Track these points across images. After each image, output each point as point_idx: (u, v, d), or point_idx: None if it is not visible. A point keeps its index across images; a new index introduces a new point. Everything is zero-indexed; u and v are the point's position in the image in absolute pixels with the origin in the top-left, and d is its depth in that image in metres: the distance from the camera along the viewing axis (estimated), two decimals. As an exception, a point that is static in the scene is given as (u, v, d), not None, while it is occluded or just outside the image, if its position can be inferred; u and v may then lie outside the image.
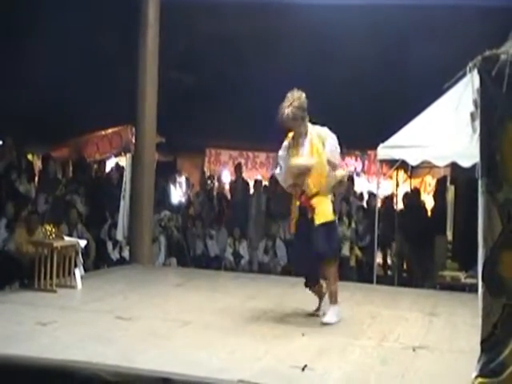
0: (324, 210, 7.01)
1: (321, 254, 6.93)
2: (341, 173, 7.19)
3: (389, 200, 13.51)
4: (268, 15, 14.92)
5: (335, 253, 7.36)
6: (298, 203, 7.09)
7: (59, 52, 15.62)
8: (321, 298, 7.46)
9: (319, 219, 6.95)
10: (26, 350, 5.38)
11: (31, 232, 9.80)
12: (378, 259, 12.29)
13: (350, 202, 13.57)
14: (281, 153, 7.21)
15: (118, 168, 14.68)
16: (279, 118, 6.89)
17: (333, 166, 7.01)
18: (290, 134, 7.13)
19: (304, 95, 7.00)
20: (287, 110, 6.87)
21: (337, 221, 7.45)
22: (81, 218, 11.83)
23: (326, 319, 7.06)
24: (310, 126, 7.06)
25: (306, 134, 7.01)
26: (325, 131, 7.06)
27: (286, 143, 7.16)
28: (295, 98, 6.92)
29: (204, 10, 15.16)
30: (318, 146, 6.96)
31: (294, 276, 7.41)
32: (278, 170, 7.33)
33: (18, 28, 15.73)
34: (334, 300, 7.15)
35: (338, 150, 7.10)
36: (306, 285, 7.30)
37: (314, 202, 6.99)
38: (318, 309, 7.46)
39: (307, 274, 7.24)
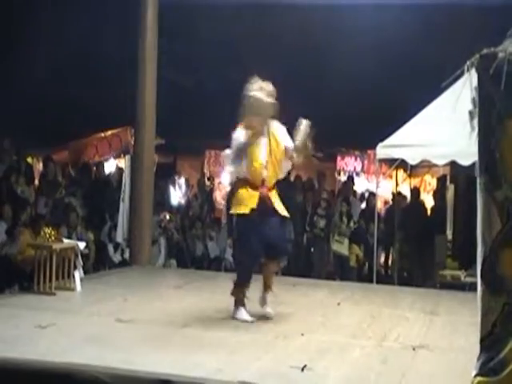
0: (282, 204, 7.05)
1: (283, 249, 7.18)
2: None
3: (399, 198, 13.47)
4: (268, 17, 14.97)
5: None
6: (257, 194, 6.89)
7: (59, 54, 15.66)
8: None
9: (283, 211, 6.99)
10: (24, 352, 5.36)
11: (33, 234, 9.78)
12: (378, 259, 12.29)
13: (349, 201, 13.56)
14: (241, 139, 6.92)
15: (118, 170, 14.67)
16: (267, 105, 6.82)
17: (290, 155, 7.04)
18: (247, 125, 6.97)
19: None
20: (271, 99, 6.85)
21: None
22: (81, 221, 11.81)
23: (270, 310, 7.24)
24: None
25: (267, 126, 7.02)
26: (275, 122, 7.08)
27: (243, 131, 6.95)
28: (271, 90, 6.88)
29: (203, 12, 15.18)
30: (277, 138, 7.00)
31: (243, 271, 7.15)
32: (233, 157, 6.99)
33: (19, 31, 15.76)
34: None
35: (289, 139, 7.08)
36: (248, 282, 7.16)
37: (274, 194, 7.02)
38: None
39: (252, 271, 7.19)
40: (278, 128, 7.04)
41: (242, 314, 7.06)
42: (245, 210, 6.86)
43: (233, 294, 7.18)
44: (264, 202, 6.89)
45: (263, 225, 6.87)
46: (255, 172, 6.90)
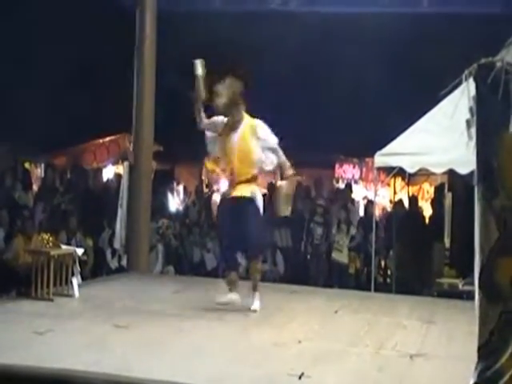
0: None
1: (252, 245, 7.45)
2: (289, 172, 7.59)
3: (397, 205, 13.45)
4: (266, 23, 14.99)
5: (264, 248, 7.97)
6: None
7: (57, 61, 15.65)
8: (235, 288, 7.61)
9: (252, 195, 7.28)
10: (22, 358, 5.35)
11: (28, 240, 9.80)
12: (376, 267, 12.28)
13: (348, 209, 13.57)
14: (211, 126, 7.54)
15: (116, 176, 14.68)
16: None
17: (273, 151, 7.37)
18: (221, 117, 7.41)
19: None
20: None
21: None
22: (79, 227, 11.81)
23: (255, 306, 7.59)
24: (245, 115, 7.43)
25: (240, 120, 7.35)
26: (257, 122, 7.39)
27: (217, 119, 7.46)
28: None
29: (202, 18, 15.21)
30: (247, 135, 7.30)
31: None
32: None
33: (18, 38, 15.76)
34: (256, 287, 7.69)
35: (273, 136, 7.42)
36: (230, 268, 7.66)
37: (244, 189, 7.26)
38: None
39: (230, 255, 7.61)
40: (254, 126, 7.36)
41: (220, 297, 7.49)
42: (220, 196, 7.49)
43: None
44: (233, 191, 7.32)
45: (233, 215, 7.23)
46: (223, 160, 7.53)
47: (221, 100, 7.24)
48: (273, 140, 7.42)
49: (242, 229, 7.25)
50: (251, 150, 7.31)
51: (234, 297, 7.44)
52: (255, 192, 7.39)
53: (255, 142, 7.34)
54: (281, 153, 7.47)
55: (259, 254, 7.99)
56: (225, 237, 7.56)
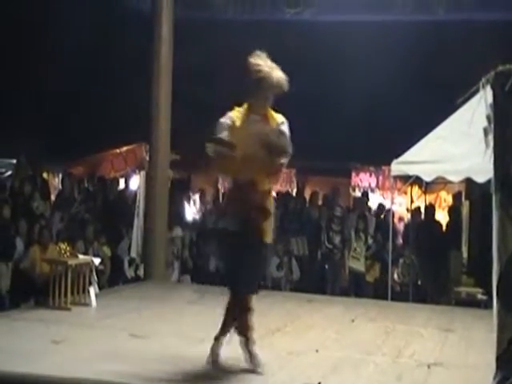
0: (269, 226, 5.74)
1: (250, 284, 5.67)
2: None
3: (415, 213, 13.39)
4: (282, 32, 14.99)
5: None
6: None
7: (73, 71, 15.74)
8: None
9: (266, 236, 5.67)
10: (39, 367, 5.37)
11: (44, 249, 9.84)
12: (394, 275, 12.22)
13: (365, 217, 13.51)
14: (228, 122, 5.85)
15: (133, 185, 14.72)
16: (281, 82, 5.85)
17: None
18: (240, 109, 5.98)
19: None
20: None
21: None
22: (96, 236, 11.83)
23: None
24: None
25: (266, 111, 5.94)
26: (280, 116, 5.98)
27: (234, 114, 5.92)
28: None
29: (218, 25, 15.24)
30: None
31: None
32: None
33: (33, 46, 15.87)
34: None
35: (288, 136, 5.81)
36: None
37: (266, 202, 5.70)
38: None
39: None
40: (277, 120, 5.93)
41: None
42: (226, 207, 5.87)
43: None
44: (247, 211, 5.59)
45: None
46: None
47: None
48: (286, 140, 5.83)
49: None
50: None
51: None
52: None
53: None
54: None
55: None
56: None
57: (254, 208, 5.57)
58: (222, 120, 5.88)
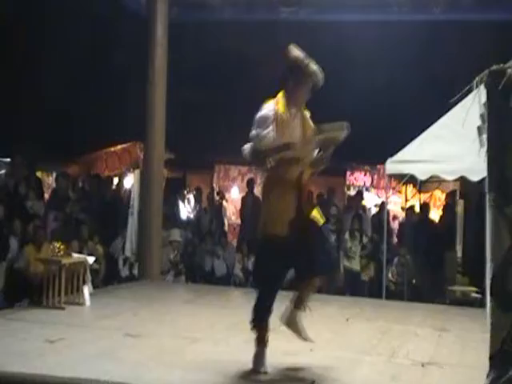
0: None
1: (327, 266, 5.69)
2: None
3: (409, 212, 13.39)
4: (277, 32, 14.97)
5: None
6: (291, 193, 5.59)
7: (69, 71, 15.73)
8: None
9: (321, 217, 5.77)
10: (33, 367, 5.36)
11: (39, 248, 9.82)
12: (389, 274, 12.23)
13: (360, 216, 13.51)
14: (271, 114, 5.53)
15: (128, 184, 14.70)
16: (319, 76, 5.84)
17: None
18: (278, 100, 5.66)
19: None
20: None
21: None
22: (91, 235, 11.80)
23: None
24: None
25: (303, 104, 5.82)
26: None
27: (274, 107, 5.58)
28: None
29: (213, 27, 15.23)
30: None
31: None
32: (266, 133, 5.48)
33: (29, 47, 15.86)
34: None
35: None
36: None
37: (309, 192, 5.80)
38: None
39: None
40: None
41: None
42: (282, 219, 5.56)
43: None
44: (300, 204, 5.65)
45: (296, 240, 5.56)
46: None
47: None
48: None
49: None
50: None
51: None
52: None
53: None
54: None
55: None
56: None
57: (304, 202, 5.69)
58: (264, 113, 5.54)
